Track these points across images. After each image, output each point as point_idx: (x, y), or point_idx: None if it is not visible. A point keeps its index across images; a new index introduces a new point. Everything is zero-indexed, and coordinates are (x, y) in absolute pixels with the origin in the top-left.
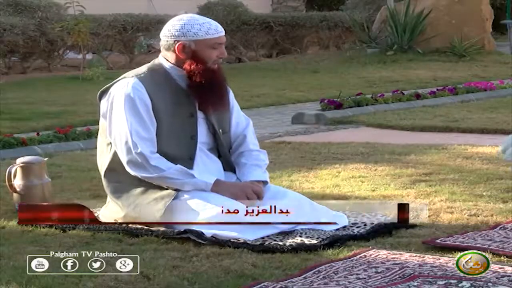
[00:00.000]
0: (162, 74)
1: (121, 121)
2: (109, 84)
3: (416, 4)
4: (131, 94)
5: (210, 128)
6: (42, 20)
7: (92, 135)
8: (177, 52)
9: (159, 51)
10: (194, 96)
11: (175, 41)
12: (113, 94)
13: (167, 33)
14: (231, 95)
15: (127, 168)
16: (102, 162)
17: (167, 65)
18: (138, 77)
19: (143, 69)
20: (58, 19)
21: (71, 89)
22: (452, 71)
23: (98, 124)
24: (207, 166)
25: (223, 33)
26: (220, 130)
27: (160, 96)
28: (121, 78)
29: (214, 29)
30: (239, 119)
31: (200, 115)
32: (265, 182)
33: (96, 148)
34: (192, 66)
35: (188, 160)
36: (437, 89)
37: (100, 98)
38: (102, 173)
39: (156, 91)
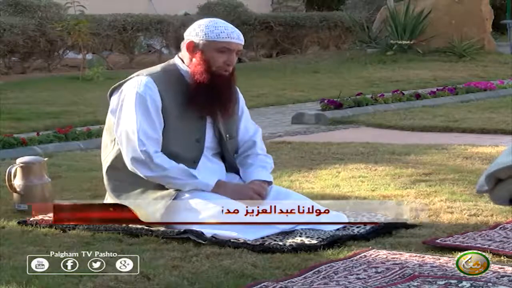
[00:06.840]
0: (175, 75)
1: (130, 119)
2: (122, 81)
3: (416, 4)
4: (143, 92)
5: (216, 132)
6: (42, 20)
7: (92, 135)
8: (185, 49)
9: (159, 51)
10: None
11: (187, 39)
12: (125, 91)
13: (186, 33)
14: (242, 102)
15: (130, 165)
16: (105, 158)
17: (181, 65)
18: (151, 76)
19: (157, 68)
20: (58, 19)
21: (71, 89)
22: (452, 71)
23: (98, 124)
24: (209, 169)
25: (237, 41)
26: (227, 136)
27: (170, 97)
28: (135, 76)
29: (226, 33)
30: (248, 125)
31: (208, 120)
32: (269, 183)
33: (96, 147)
34: (196, 66)
35: (192, 163)
36: (437, 89)
37: (111, 94)
38: (104, 169)
39: (168, 91)
